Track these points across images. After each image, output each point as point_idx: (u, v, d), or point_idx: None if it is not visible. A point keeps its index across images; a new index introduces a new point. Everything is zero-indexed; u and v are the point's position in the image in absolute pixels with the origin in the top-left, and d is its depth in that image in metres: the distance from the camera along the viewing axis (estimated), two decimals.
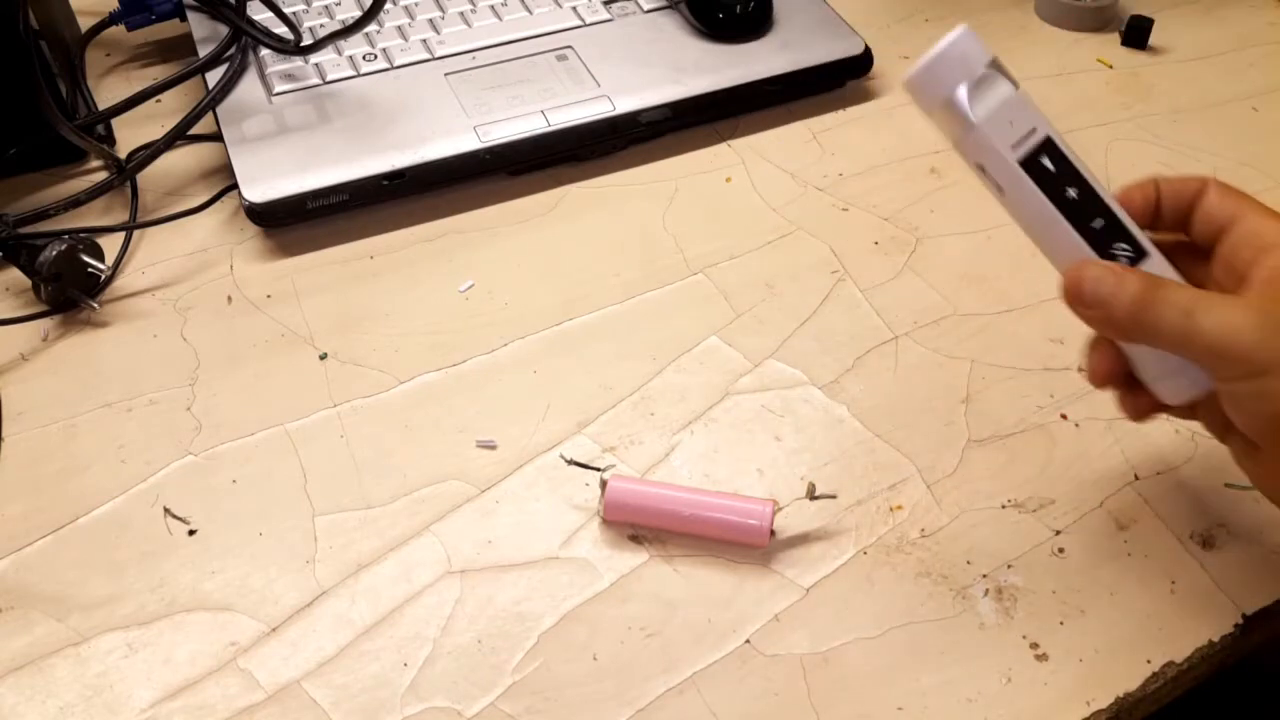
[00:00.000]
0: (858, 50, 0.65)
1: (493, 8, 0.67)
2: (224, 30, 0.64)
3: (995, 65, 0.39)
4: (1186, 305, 0.37)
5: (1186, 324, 0.37)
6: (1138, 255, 0.39)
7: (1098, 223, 0.39)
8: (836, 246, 0.57)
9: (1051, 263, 0.41)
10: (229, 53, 0.63)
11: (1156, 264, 0.40)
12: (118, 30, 0.67)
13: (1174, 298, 0.38)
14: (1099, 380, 0.42)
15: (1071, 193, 0.39)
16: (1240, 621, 0.43)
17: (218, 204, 0.59)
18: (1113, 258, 0.39)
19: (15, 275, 0.54)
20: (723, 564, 0.44)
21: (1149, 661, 0.42)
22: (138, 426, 0.49)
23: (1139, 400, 0.42)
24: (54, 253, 0.52)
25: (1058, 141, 0.39)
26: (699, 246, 0.57)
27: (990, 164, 0.40)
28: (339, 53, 0.64)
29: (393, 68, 0.63)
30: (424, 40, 0.65)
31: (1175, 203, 0.41)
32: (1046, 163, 0.39)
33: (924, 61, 0.38)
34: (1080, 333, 0.41)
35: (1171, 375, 0.40)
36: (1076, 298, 0.39)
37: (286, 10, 0.64)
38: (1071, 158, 0.39)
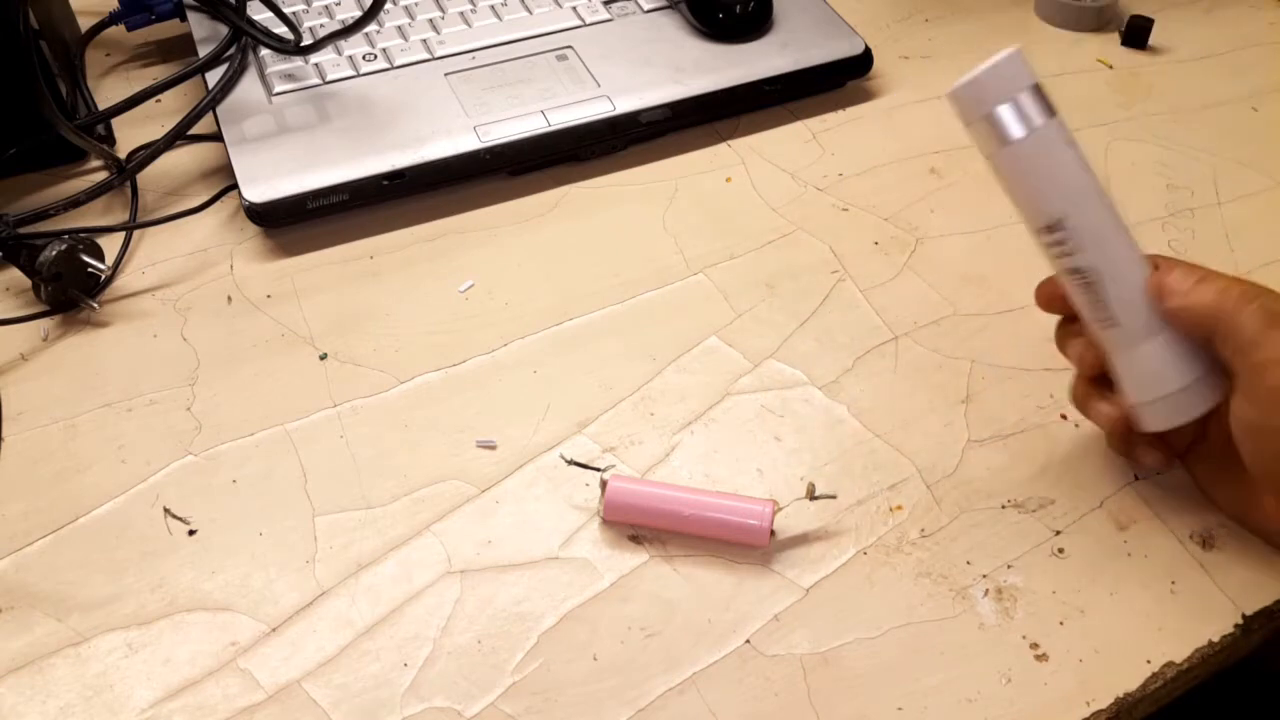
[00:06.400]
0: (858, 50, 0.65)
1: (493, 8, 0.67)
2: (224, 30, 0.64)
3: (1037, 91, 0.42)
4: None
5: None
6: None
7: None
8: (836, 246, 0.57)
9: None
10: (229, 53, 0.63)
11: None
12: (118, 30, 0.67)
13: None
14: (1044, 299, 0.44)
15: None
16: (1240, 621, 0.43)
17: (218, 204, 0.59)
18: None
19: (15, 275, 0.54)
20: (723, 564, 0.44)
21: (1149, 661, 0.42)
22: (138, 426, 0.49)
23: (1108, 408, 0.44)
24: (54, 253, 0.52)
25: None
26: (699, 246, 0.57)
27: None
28: (339, 53, 0.64)
29: (393, 68, 0.63)
30: (424, 40, 0.65)
31: None
32: None
33: (972, 74, 0.40)
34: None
35: (1161, 398, 0.41)
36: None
37: (286, 10, 0.64)
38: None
